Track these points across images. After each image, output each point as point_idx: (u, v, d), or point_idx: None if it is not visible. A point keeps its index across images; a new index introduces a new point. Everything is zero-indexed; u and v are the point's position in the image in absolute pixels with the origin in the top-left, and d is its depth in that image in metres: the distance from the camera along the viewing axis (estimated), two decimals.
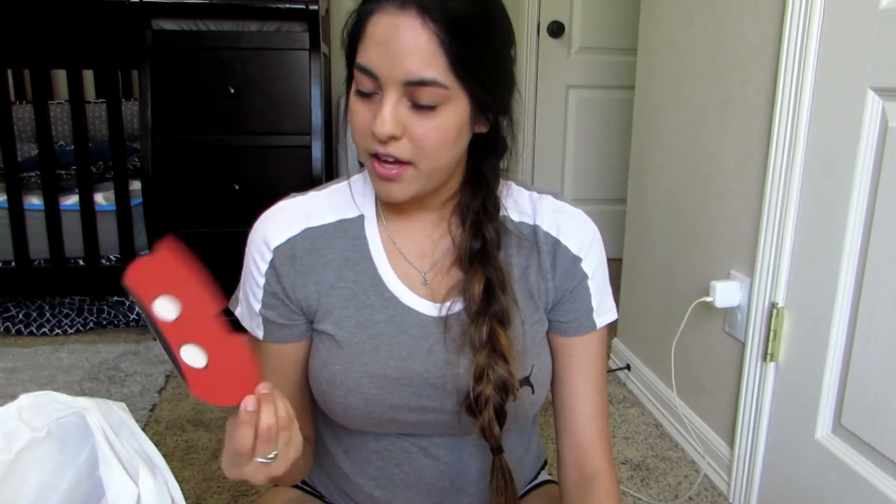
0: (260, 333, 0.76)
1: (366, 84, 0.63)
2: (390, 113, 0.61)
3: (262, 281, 0.74)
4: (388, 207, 0.75)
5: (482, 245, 0.72)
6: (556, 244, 0.75)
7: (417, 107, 0.62)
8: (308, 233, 0.73)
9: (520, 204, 0.77)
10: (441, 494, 0.79)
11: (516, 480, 0.75)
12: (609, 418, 1.65)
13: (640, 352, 1.99)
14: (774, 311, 1.29)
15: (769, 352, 1.31)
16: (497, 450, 0.71)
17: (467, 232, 0.73)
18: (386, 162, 0.64)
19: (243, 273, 0.77)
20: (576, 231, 0.76)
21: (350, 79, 0.67)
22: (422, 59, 0.60)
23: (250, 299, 0.75)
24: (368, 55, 0.62)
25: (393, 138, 0.62)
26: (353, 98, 0.65)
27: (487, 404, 0.68)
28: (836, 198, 1.13)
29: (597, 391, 0.78)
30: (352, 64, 0.65)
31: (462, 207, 0.74)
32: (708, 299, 1.46)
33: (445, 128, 0.63)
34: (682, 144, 1.68)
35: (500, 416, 0.69)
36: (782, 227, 1.26)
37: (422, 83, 0.61)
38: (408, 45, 0.60)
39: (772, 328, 1.30)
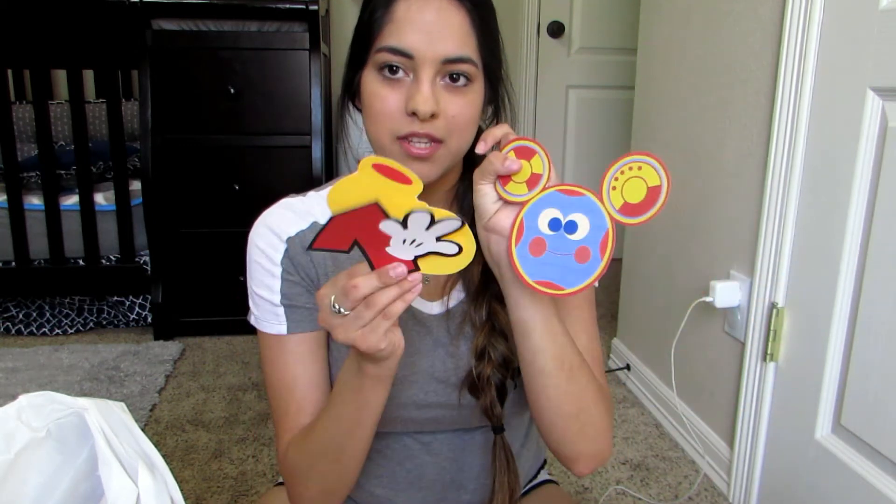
0: (283, 328, 0.72)
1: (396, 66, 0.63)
2: (430, 90, 0.62)
3: (278, 270, 0.72)
4: None
5: None
6: None
7: (451, 86, 0.64)
8: (315, 227, 0.73)
9: None
10: (442, 491, 0.79)
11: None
12: None
13: (640, 352, 1.99)
14: (774, 311, 1.29)
15: (769, 352, 1.31)
16: (499, 429, 0.72)
17: (465, 216, 0.73)
18: (419, 142, 0.64)
19: (249, 274, 0.74)
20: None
21: (353, 69, 0.67)
22: (459, 38, 0.63)
23: (264, 294, 0.73)
24: (403, 36, 0.62)
25: (433, 116, 0.63)
26: (375, 83, 0.64)
27: (489, 383, 0.69)
28: (836, 198, 1.13)
29: (582, 332, 0.73)
30: (361, 51, 0.65)
31: (459, 197, 0.75)
32: (708, 299, 1.46)
33: (475, 104, 0.66)
34: (682, 144, 1.68)
35: (502, 393, 0.70)
36: (782, 227, 1.26)
37: (459, 60, 0.63)
38: (446, 25, 0.62)
39: (772, 328, 1.30)
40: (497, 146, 0.61)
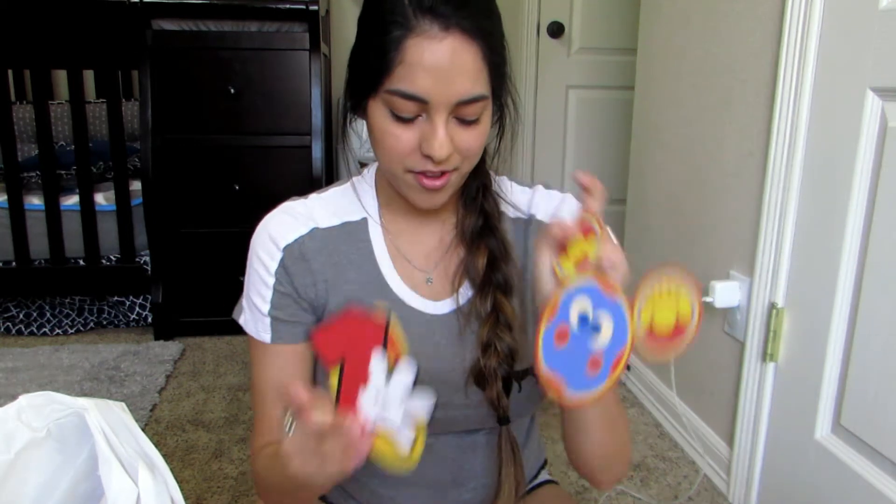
0: (268, 336, 0.74)
1: (409, 109, 0.62)
2: (445, 135, 0.62)
3: (271, 280, 0.73)
4: (394, 211, 0.75)
5: (484, 220, 0.73)
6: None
7: (464, 122, 0.63)
8: (315, 233, 0.73)
9: (515, 200, 0.78)
10: (443, 489, 0.79)
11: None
12: None
13: None
14: (774, 311, 1.29)
15: (769, 352, 1.31)
16: (504, 420, 0.72)
17: (469, 212, 0.74)
18: (433, 175, 0.64)
19: (247, 278, 0.75)
20: (567, 214, 0.76)
21: (359, 94, 0.66)
22: (472, 78, 0.61)
23: (257, 301, 0.74)
24: (415, 82, 0.60)
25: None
26: (386, 120, 0.63)
27: (495, 375, 0.70)
28: (836, 198, 1.13)
29: None
30: (369, 80, 0.63)
31: (464, 195, 0.75)
32: (708, 299, 1.45)
33: (485, 131, 0.66)
34: (682, 144, 1.68)
35: (508, 385, 0.71)
36: (782, 227, 1.26)
37: (472, 101, 0.62)
38: (460, 68, 0.60)
39: (771, 328, 1.30)
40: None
